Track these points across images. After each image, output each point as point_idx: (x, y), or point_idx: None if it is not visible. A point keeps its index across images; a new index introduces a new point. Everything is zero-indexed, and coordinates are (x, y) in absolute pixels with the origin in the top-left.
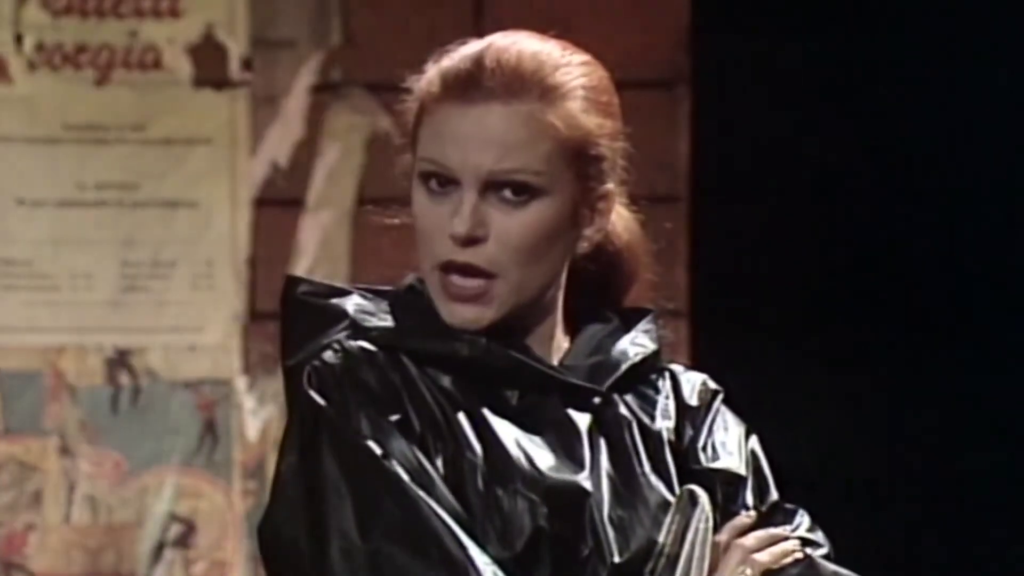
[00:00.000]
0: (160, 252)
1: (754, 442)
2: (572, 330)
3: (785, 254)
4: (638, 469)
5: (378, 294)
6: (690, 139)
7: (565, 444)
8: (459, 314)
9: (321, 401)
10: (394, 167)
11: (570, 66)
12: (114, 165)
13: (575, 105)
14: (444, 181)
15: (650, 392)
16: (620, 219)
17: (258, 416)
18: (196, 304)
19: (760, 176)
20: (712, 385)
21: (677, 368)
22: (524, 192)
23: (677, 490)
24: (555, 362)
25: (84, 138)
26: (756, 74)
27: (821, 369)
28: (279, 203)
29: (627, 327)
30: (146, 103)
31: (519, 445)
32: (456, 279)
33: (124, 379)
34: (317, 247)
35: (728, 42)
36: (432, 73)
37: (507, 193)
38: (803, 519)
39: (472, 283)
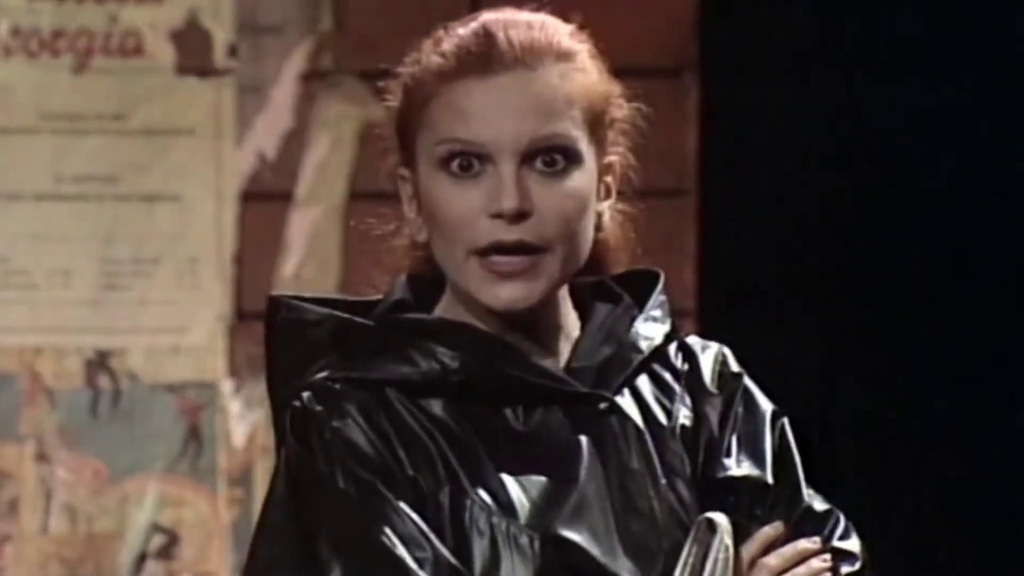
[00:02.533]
0: (142, 248)
1: (783, 427)
2: (580, 311)
3: (797, 251)
4: (650, 491)
5: (366, 308)
6: (698, 130)
7: (569, 467)
8: (506, 294)
9: (307, 456)
10: (381, 167)
11: (570, 31)
12: (93, 157)
13: (591, 65)
14: (468, 163)
15: (666, 375)
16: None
17: (244, 421)
18: (179, 303)
19: (772, 169)
20: (733, 367)
21: (694, 343)
22: (564, 158)
23: (693, 498)
24: (565, 355)
25: (62, 128)
26: (768, 61)
27: (833, 367)
28: (266, 197)
29: (639, 302)
30: (127, 91)
31: (520, 477)
32: (500, 257)
33: (104, 382)
34: (306, 243)
35: (738, 27)
36: (432, 57)
37: (547, 161)
38: (836, 525)
39: (518, 258)
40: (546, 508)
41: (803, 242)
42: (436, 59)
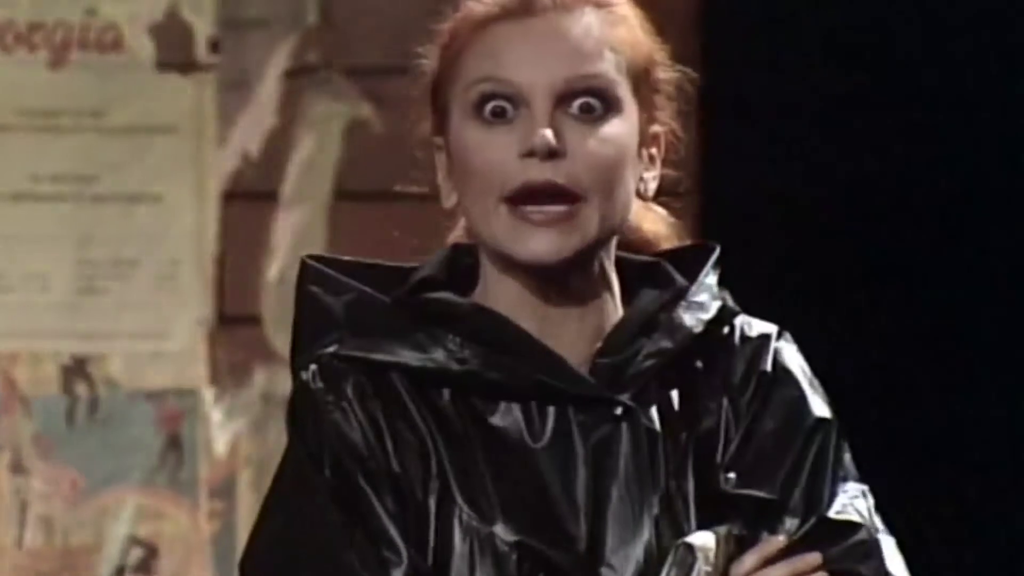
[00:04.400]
0: (121, 250)
1: (825, 436)
2: (627, 296)
3: (803, 254)
4: (654, 506)
5: (402, 279)
6: (698, 128)
7: (567, 478)
8: (540, 243)
9: (298, 435)
10: (411, 136)
11: None
12: (71, 155)
13: (633, 20)
14: (501, 108)
15: (701, 371)
16: (645, 209)
17: (226, 430)
18: (159, 307)
19: (775, 169)
20: (767, 364)
21: (740, 332)
22: (602, 104)
23: (698, 514)
24: (595, 344)
25: (38, 125)
26: (772, 57)
27: (838, 366)
28: (250, 197)
29: (689, 281)
30: (105, 88)
31: (513, 484)
32: (534, 205)
33: (81, 389)
34: (291, 245)
35: (741, 22)
36: (472, 6)
37: (584, 107)
38: (861, 542)
39: (554, 207)
40: (534, 521)
41: (812, 244)
42: (473, 8)
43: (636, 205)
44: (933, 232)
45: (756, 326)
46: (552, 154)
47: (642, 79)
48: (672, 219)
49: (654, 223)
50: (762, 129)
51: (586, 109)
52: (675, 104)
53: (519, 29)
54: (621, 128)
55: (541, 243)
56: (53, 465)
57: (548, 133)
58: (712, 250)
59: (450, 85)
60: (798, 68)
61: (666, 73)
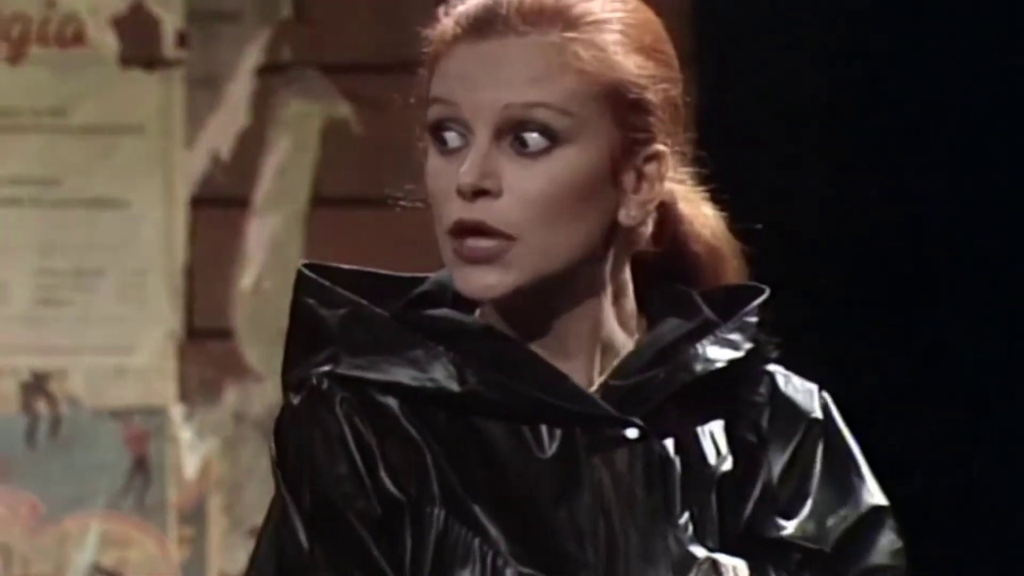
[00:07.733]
0: (83, 259)
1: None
2: (650, 324)
3: (798, 263)
4: (667, 533)
5: (406, 291)
6: (694, 128)
7: (575, 502)
8: (474, 280)
9: (281, 459)
10: (413, 143)
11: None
12: (30, 157)
13: (608, 38)
14: (452, 136)
15: (726, 407)
16: (701, 217)
17: (197, 451)
18: (125, 320)
19: (774, 171)
20: (815, 411)
21: (779, 376)
22: (546, 137)
23: (716, 547)
24: (604, 369)
25: None
26: (767, 55)
27: (827, 380)
28: (221, 203)
29: (723, 318)
30: (66, 84)
31: (519, 506)
32: (469, 240)
33: (42, 407)
34: (265, 253)
35: (736, 18)
36: (445, 21)
37: (526, 138)
38: None
39: (486, 242)
40: (539, 546)
41: (807, 253)
42: (447, 23)
43: (686, 207)
44: (933, 237)
45: (796, 378)
46: (481, 193)
47: (616, 99)
48: (723, 227)
49: (707, 221)
50: (762, 129)
51: (525, 143)
52: (672, 121)
53: (473, 51)
54: (570, 161)
55: (477, 279)
56: (11, 489)
57: (471, 174)
58: (760, 292)
59: (428, 92)
60: (800, 65)
61: (658, 93)
